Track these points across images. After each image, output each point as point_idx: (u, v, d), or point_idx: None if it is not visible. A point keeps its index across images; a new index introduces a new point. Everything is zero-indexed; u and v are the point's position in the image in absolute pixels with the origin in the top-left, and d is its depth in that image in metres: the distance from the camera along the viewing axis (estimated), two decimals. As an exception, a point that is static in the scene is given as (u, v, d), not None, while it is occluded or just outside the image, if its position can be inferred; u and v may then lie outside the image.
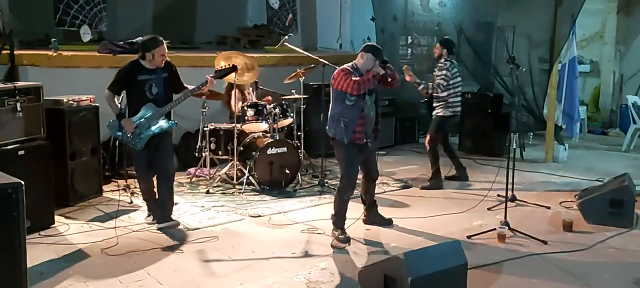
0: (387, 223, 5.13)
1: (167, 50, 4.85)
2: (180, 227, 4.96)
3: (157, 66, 4.81)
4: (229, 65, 5.63)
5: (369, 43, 4.96)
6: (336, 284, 3.93)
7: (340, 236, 4.69)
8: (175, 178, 6.01)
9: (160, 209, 4.92)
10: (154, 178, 5.00)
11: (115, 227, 4.85)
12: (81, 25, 7.22)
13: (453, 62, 6.49)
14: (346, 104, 4.62)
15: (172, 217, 4.95)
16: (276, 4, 9.57)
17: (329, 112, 4.81)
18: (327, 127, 4.85)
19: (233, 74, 6.14)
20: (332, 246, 4.63)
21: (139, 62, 4.82)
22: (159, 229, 4.85)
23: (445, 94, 6.39)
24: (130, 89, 4.85)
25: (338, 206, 4.78)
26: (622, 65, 10.83)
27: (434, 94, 6.48)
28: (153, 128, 4.83)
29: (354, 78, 4.58)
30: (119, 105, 4.96)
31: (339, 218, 4.78)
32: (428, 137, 6.50)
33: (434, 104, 6.54)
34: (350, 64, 4.76)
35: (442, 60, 6.53)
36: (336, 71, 4.72)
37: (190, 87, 5.03)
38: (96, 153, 5.76)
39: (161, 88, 4.85)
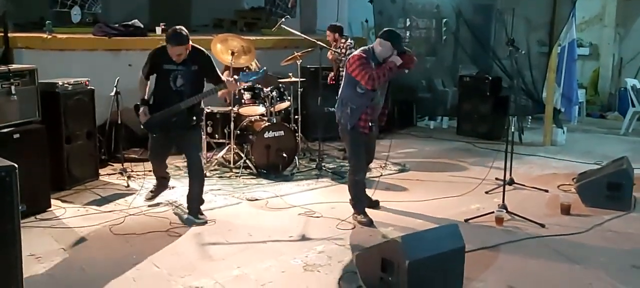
0: (374, 205, 5.11)
1: (181, 52, 4.53)
2: (178, 210, 4.96)
3: (176, 60, 4.60)
4: (257, 67, 5.49)
5: (389, 29, 4.75)
6: (333, 267, 3.92)
7: (362, 219, 4.74)
8: (173, 161, 6.03)
9: (190, 204, 4.84)
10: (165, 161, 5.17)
11: (128, 207, 4.85)
12: (73, 6, 7.14)
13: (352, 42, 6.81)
14: (357, 90, 4.55)
15: (199, 212, 4.81)
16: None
17: (339, 93, 4.78)
18: (335, 107, 4.82)
19: (230, 58, 6.11)
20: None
21: (166, 50, 4.61)
22: (187, 219, 4.77)
23: None
24: (157, 75, 4.74)
25: (353, 189, 4.81)
26: (621, 48, 10.79)
27: (341, 73, 6.53)
28: (172, 120, 4.68)
29: (370, 70, 4.44)
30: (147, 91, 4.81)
31: (357, 202, 4.82)
32: None
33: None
34: (366, 47, 4.66)
35: (343, 42, 6.86)
36: (353, 55, 4.63)
37: (226, 79, 4.82)
38: (92, 137, 5.73)
39: (187, 81, 4.62)
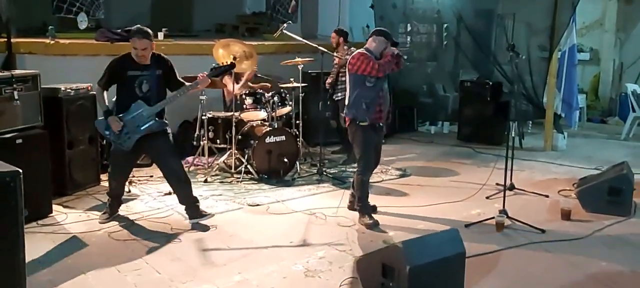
0: (371, 210, 5.10)
1: (145, 46, 4.53)
2: (178, 215, 4.97)
3: (140, 61, 4.57)
4: (226, 62, 5.29)
5: (379, 28, 5.06)
6: (334, 273, 3.93)
7: (368, 221, 4.79)
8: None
9: (189, 210, 4.81)
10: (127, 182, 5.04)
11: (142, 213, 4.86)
12: (78, 12, 7.17)
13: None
14: (366, 85, 4.73)
15: (201, 211, 4.82)
16: (278, -10, 9.52)
17: (348, 97, 4.88)
18: (344, 112, 4.95)
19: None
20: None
21: (130, 56, 4.62)
22: (193, 225, 4.75)
23: None
24: (119, 84, 4.63)
25: (361, 190, 4.88)
26: (622, 53, 10.81)
27: (342, 78, 6.64)
28: (142, 128, 4.58)
29: (375, 61, 4.69)
30: (109, 102, 4.71)
31: (364, 205, 4.89)
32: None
33: (340, 86, 6.77)
34: (363, 48, 4.85)
35: (347, 49, 6.79)
36: (352, 56, 4.82)
37: (187, 84, 4.82)
38: (94, 142, 5.75)
39: (153, 85, 4.61)
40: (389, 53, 4.78)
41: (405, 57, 5.02)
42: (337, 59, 6.83)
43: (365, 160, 4.87)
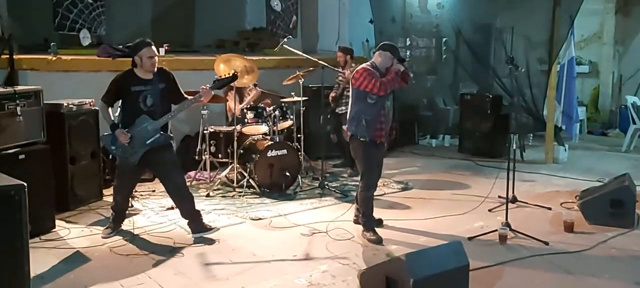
0: (377, 223, 5.11)
1: (157, 53, 4.62)
2: (181, 230, 4.97)
3: (149, 72, 4.60)
4: (229, 73, 5.24)
5: (386, 42, 4.98)
6: (338, 287, 3.92)
7: (371, 237, 4.76)
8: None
9: (192, 224, 4.81)
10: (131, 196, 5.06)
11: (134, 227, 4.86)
12: (80, 29, 7.21)
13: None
14: (368, 102, 4.67)
15: (205, 225, 4.82)
16: (278, 5, 9.54)
17: (348, 111, 4.86)
18: (345, 126, 4.92)
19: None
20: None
21: (133, 72, 4.65)
22: (195, 239, 4.74)
23: None
24: (124, 99, 4.66)
25: (365, 206, 4.85)
26: (621, 66, 10.85)
27: (346, 93, 6.61)
28: (147, 142, 4.60)
29: (378, 78, 4.62)
30: (114, 116, 4.72)
31: (368, 220, 4.86)
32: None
33: (344, 100, 6.71)
34: (368, 63, 4.81)
35: (354, 65, 6.63)
36: (357, 71, 4.76)
37: (189, 98, 4.82)
38: (96, 157, 5.75)
39: (157, 99, 4.63)
40: (394, 70, 4.70)
41: (412, 74, 4.96)
42: (344, 75, 6.78)
43: (368, 176, 4.84)
